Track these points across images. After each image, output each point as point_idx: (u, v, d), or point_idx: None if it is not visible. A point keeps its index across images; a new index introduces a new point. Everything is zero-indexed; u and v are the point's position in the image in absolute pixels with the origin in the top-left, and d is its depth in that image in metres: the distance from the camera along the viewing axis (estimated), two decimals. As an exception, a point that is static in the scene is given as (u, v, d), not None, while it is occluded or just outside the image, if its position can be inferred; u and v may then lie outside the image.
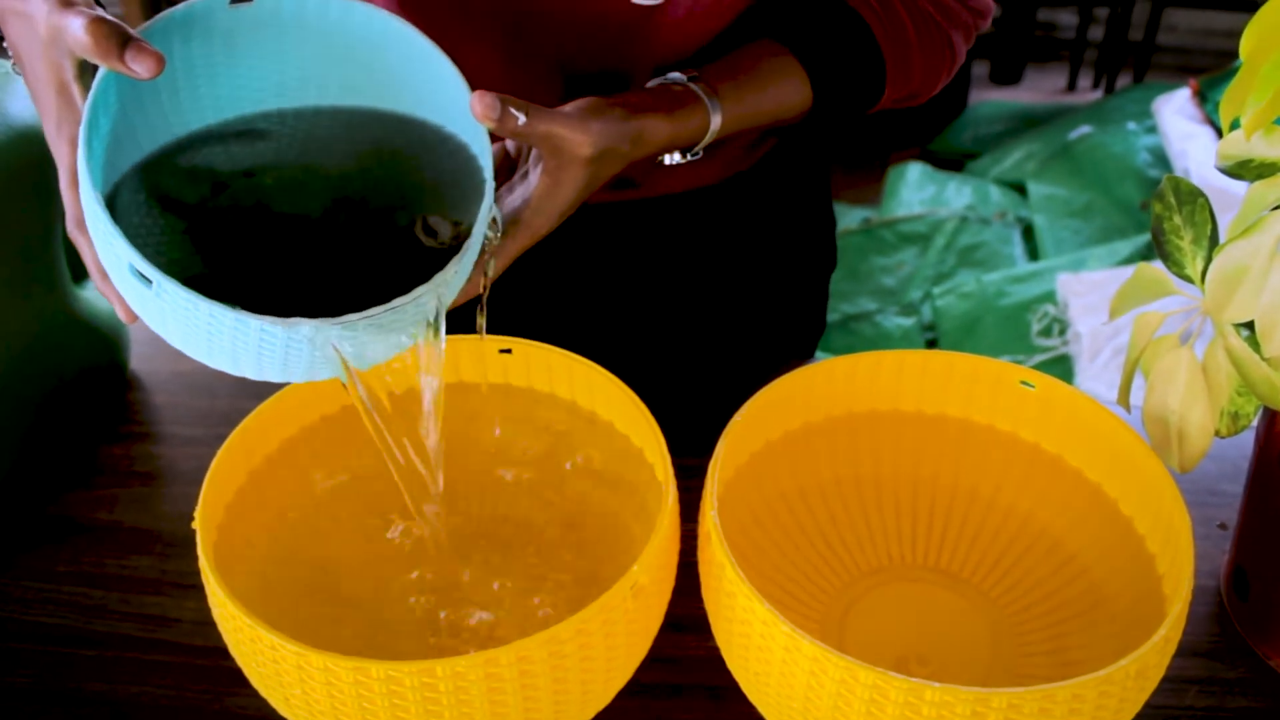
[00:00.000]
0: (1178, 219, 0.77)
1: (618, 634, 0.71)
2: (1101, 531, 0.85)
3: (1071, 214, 3.18)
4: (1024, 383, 0.86)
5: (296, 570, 0.86)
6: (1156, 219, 0.78)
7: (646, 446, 0.84)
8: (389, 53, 0.78)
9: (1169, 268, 0.79)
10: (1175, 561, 0.74)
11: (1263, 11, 0.68)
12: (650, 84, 0.92)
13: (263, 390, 0.86)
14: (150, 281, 0.65)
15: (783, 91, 0.96)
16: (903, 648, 0.84)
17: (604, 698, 0.75)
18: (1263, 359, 0.73)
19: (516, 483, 0.93)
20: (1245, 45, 0.69)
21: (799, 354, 1.33)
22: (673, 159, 0.94)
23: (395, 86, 0.80)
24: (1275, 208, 0.71)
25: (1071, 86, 4.65)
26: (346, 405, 0.89)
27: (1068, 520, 0.88)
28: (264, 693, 0.73)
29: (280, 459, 0.86)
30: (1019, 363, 0.88)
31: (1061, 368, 2.58)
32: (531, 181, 0.82)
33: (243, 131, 0.80)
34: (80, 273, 1.11)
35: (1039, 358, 2.62)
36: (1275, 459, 0.81)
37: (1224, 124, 0.71)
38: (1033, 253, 3.14)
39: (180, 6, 0.74)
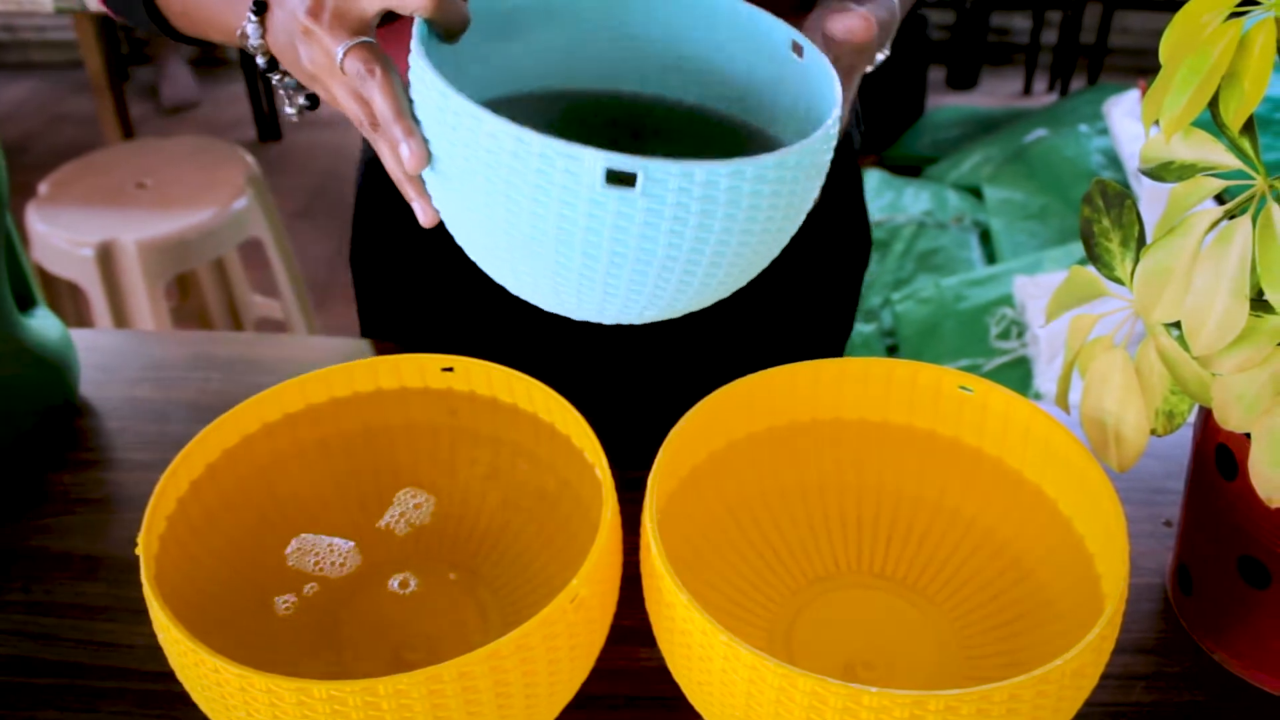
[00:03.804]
0: (1106, 221, 0.78)
1: (560, 647, 0.71)
2: (1044, 533, 0.86)
3: (1027, 217, 3.20)
4: (963, 387, 0.87)
5: (247, 591, 0.86)
6: (1086, 222, 0.79)
7: (590, 459, 0.84)
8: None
9: (1100, 270, 0.80)
10: (1113, 561, 0.75)
11: (1179, 16, 0.69)
12: None
13: (210, 416, 0.86)
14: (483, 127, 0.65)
15: None
16: (850, 654, 0.85)
17: (550, 711, 0.76)
18: (1192, 358, 0.74)
19: (465, 493, 0.93)
20: (1164, 49, 0.70)
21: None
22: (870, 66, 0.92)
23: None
24: (1197, 209, 0.72)
25: (1027, 90, 4.68)
26: (290, 419, 0.89)
27: (1011, 523, 0.89)
28: (211, 715, 0.73)
29: (226, 481, 0.86)
30: (978, 366, 0.89)
31: (1020, 370, 2.59)
32: None
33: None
34: (26, 302, 1.11)
35: (998, 360, 2.63)
36: (1210, 456, 0.82)
37: (1145, 126, 0.72)
38: (990, 256, 3.16)
39: None
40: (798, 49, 0.78)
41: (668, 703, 0.83)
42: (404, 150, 0.71)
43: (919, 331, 2.83)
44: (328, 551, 0.90)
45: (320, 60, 0.76)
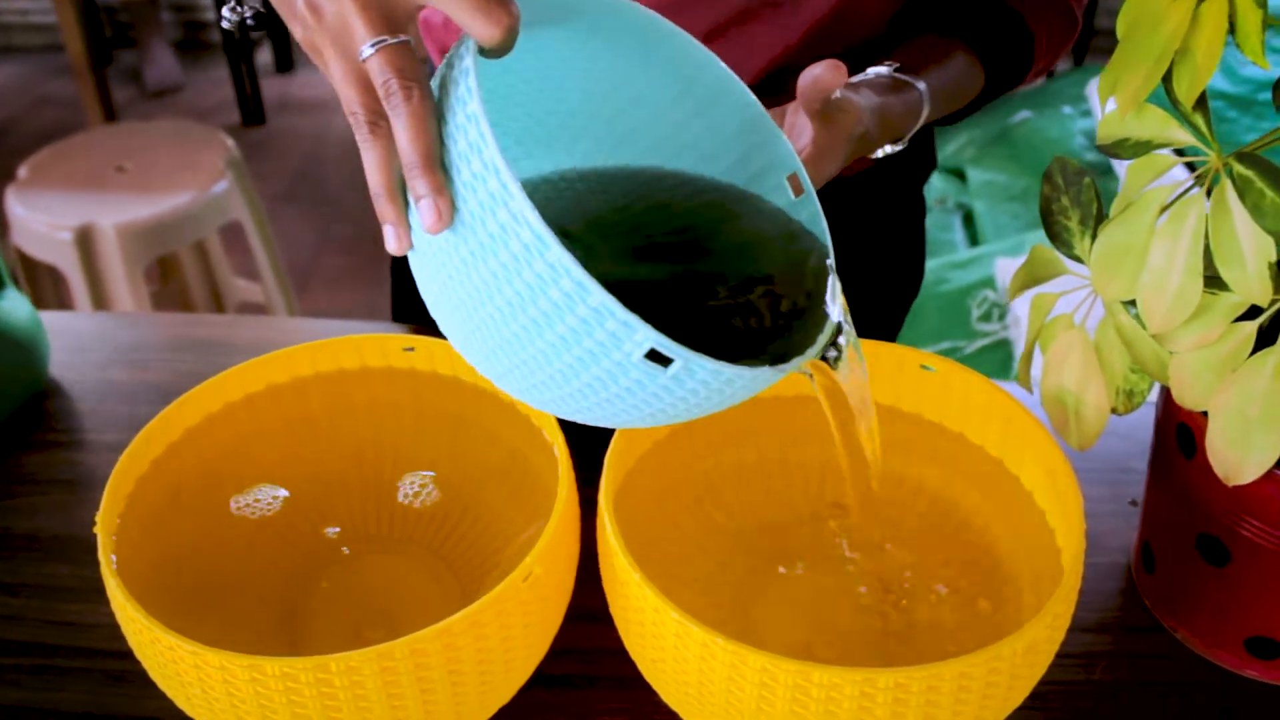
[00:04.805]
0: (1065, 200, 0.78)
1: (514, 625, 0.71)
2: (1006, 508, 0.86)
3: (1010, 199, 3.20)
4: (924, 366, 0.87)
5: (209, 570, 0.86)
6: (1045, 200, 0.79)
7: (549, 438, 0.84)
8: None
9: (1059, 248, 0.80)
10: (1070, 538, 0.75)
11: (1134, -8, 0.69)
12: (857, 78, 0.87)
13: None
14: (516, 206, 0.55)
15: (965, 80, 0.96)
16: (809, 632, 0.85)
17: (506, 690, 0.76)
18: (1150, 335, 0.74)
19: (425, 474, 0.93)
20: (1121, 24, 0.70)
21: None
22: (882, 151, 0.89)
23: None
24: (1151, 186, 0.72)
25: (1013, 72, 4.67)
26: (253, 399, 0.89)
27: (974, 499, 0.89)
28: (169, 693, 0.73)
29: (188, 460, 0.86)
30: (959, 348, 0.89)
31: (1002, 352, 2.59)
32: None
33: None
34: (-6, 281, 1.10)
35: (980, 343, 2.63)
36: (1171, 434, 0.82)
37: (1102, 102, 0.72)
38: (973, 238, 3.15)
39: None
40: (797, 187, 0.75)
41: (626, 683, 0.83)
42: (426, 206, 0.58)
43: (901, 314, 2.82)
44: (290, 531, 0.90)
45: (333, 25, 0.62)
